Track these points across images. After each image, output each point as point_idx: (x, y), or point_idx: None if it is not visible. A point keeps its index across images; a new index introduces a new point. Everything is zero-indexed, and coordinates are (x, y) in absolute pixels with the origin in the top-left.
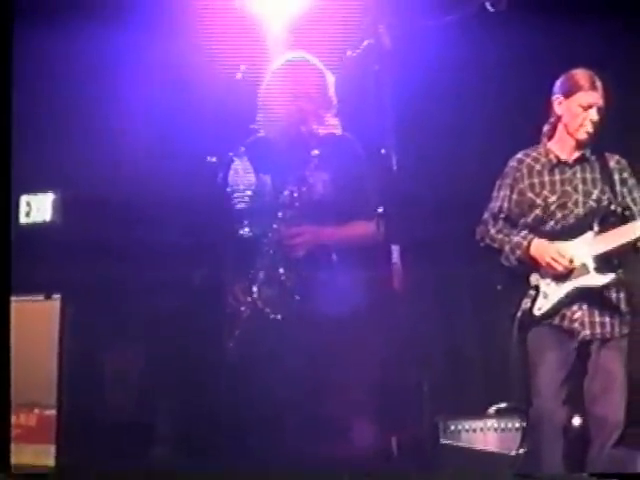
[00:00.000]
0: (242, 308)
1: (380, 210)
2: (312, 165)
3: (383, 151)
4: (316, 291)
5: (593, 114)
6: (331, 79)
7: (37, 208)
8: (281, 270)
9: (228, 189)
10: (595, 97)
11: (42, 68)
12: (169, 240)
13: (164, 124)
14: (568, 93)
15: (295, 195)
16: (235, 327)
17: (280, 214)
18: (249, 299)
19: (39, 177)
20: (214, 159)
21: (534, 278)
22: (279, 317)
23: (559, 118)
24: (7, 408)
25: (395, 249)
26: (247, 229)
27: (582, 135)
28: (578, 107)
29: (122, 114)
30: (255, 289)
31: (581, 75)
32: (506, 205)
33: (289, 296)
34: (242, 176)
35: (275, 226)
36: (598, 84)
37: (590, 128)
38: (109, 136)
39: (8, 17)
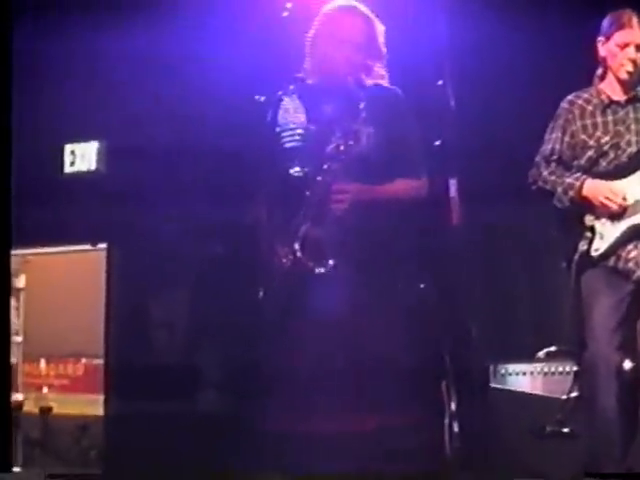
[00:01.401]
0: (283, 260)
1: (438, 143)
2: (359, 118)
3: (440, 82)
4: (358, 248)
5: (630, 52)
6: (381, 28)
7: (81, 156)
8: (322, 225)
9: (277, 128)
10: (632, 35)
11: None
12: (216, 183)
13: (209, 66)
14: (607, 34)
15: (341, 148)
16: (275, 278)
17: (325, 166)
18: (291, 250)
19: (83, 126)
20: (262, 98)
21: (589, 219)
22: (321, 270)
23: (604, 60)
24: (7, 408)
25: (452, 183)
26: (298, 168)
27: (623, 75)
28: (616, 47)
29: (165, 59)
30: (297, 242)
31: (619, 15)
32: (558, 147)
33: (327, 253)
34: (292, 115)
35: (319, 178)
36: (635, 22)
37: (630, 67)
38: (152, 82)
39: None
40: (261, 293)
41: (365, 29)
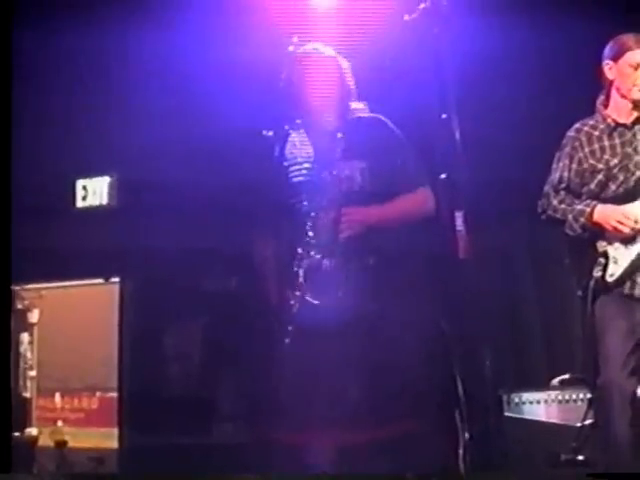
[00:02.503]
0: (291, 301)
1: (443, 177)
2: (345, 154)
3: (444, 116)
4: (363, 277)
5: None
6: (345, 65)
7: (93, 191)
8: (326, 257)
9: (285, 163)
10: None
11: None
12: (226, 217)
13: (219, 100)
14: (616, 56)
15: (341, 189)
16: (287, 317)
17: (329, 200)
18: (297, 291)
19: (94, 161)
20: (270, 133)
21: (601, 245)
22: (325, 304)
23: (611, 83)
24: (7, 408)
25: (459, 215)
26: (305, 202)
27: (636, 95)
28: (628, 67)
29: (175, 94)
30: (301, 276)
31: (627, 37)
32: (566, 175)
33: (335, 284)
34: (299, 148)
35: (324, 212)
36: None
37: None
38: (162, 118)
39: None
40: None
41: (329, 69)
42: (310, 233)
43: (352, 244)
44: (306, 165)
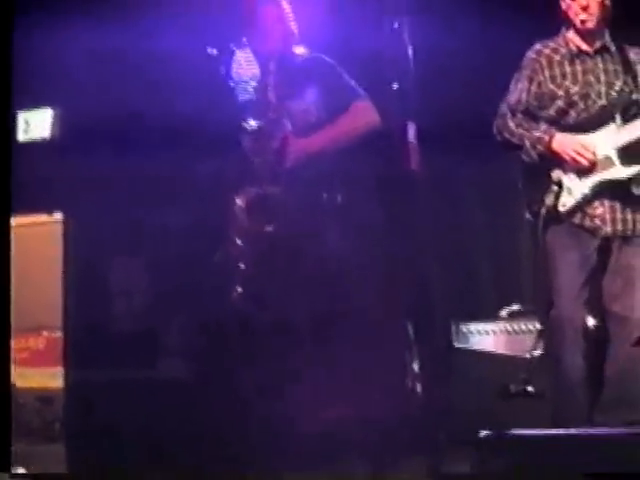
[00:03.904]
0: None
1: (395, 86)
2: (295, 90)
3: (396, 25)
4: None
5: (582, 1)
6: (287, 7)
7: (35, 124)
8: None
9: (231, 82)
10: None
11: None
12: (171, 141)
13: (158, 23)
14: None
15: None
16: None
17: (275, 119)
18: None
19: (37, 93)
20: (215, 51)
21: (556, 173)
22: (270, 229)
23: (566, 14)
24: (7, 409)
25: (411, 126)
26: (252, 122)
27: (579, 25)
28: None
29: (115, 17)
30: (242, 202)
31: None
32: (525, 97)
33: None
34: (245, 67)
35: (271, 133)
36: None
37: (583, 16)
38: (101, 44)
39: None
40: (218, 254)
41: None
42: (256, 160)
43: (299, 172)
44: (252, 84)
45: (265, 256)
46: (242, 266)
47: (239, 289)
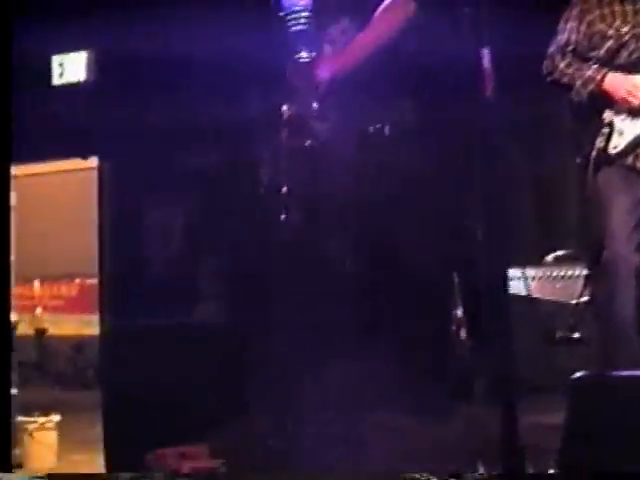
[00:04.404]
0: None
1: (467, 10)
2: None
3: None
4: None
5: None
6: None
7: (70, 68)
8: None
9: (281, 12)
10: None
11: None
12: (212, 82)
13: None
14: None
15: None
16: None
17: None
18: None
19: (71, 37)
20: None
21: (608, 114)
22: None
23: None
24: (8, 409)
25: (485, 53)
26: (304, 54)
27: None
28: None
29: None
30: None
31: None
32: (574, 37)
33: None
34: None
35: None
36: None
37: None
38: None
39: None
40: (262, 190)
41: None
42: (302, 89)
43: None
44: (304, 14)
45: (308, 177)
46: (284, 189)
47: (283, 216)
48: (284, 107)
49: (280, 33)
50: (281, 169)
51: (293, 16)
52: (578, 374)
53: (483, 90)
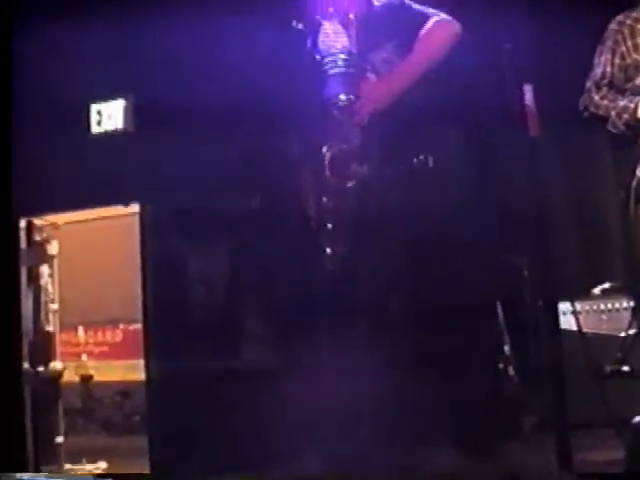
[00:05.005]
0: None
1: (507, 46)
2: (378, 39)
3: None
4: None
5: None
6: None
7: (108, 116)
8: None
9: (318, 55)
10: None
11: None
12: (249, 136)
13: (238, 3)
14: None
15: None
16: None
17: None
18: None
19: (109, 84)
20: (301, 25)
21: None
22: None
23: None
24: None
25: (528, 89)
26: (343, 96)
27: None
28: None
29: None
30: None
31: None
32: (609, 70)
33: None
34: (333, 39)
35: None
36: None
37: None
38: (178, 30)
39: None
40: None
41: None
42: (343, 130)
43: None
44: (342, 56)
45: (352, 214)
46: (329, 226)
47: (328, 250)
48: (324, 148)
49: (319, 75)
50: (325, 207)
51: (331, 59)
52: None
53: (526, 125)
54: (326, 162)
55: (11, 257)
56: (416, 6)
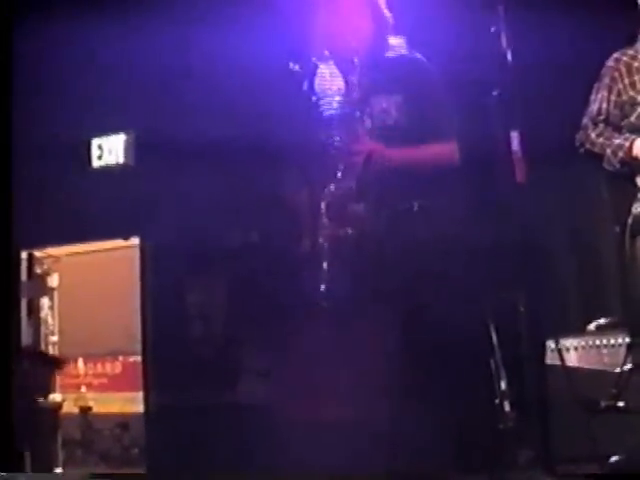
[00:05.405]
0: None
1: (495, 93)
2: (382, 88)
3: (493, 29)
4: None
5: None
6: None
7: (109, 150)
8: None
9: (314, 97)
10: None
11: None
12: (248, 171)
13: (236, 41)
14: None
15: (374, 124)
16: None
17: (363, 135)
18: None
19: (109, 119)
20: (297, 67)
21: None
22: (350, 232)
23: None
24: (9, 410)
25: (515, 136)
26: (337, 137)
27: None
28: None
29: (189, 40)
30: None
31: None
32: (605, 107)
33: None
34: (329, 81)
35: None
36: None
37: None
38: (176, 67)
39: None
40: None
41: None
42: (339, 173)
43: (388, 185)
44: (337, 98)
45: (348, 257)
46: (325, 265)
47: (322, 287)
48: (320, 188)
49: (314, 115)
50: (321, 247)
51: (326, 100)
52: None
53: (513, 171)
54: (323, 203)
55: (11, 289)
56: (446, 102)
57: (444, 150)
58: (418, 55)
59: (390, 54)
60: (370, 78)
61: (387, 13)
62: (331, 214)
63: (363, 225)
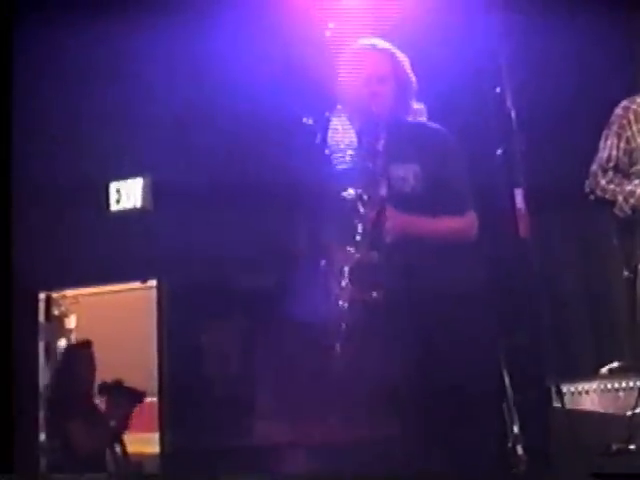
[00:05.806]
0: (339, 299)
1: (499, 152)
2: (400, 156)
3: (498, 90)
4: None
5: None
6: (403, 58)
7: (127, 194)
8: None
9: (327, 150)
10: None
11: None
12: (264, 218)
13: (251, 96)
14: None
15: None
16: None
17: (379, 190)
18: (343, 287)
19: (127, 163)
20: (310, 120)
21: None
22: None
23: None
24: (10, 410)
25: (518, 192)
26: (351, 190)
27: None
28: None
29: (207, 89)
30: (347, 273)
31: None
32: (614, 154)
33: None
34: (341, 135)
35: (373, 201)
36: None
37: None
38: (194, 115)
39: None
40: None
41: (385, 61)
42: (359, 228)
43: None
44: (349, 152)
45: (367, 321)
46: (343, 326)
47: (338, 347)
48: (349, 249)
49: (327, 169)
50: (340, 309)
51: (339, 154)
52: None
53: (517, 228)
54: (345, 267)
55: (30, 331)
56: (465, 177)
57: (462, 224)
58: (440, 128)
59: (411, 120)
60: (389, 142)
61: (412, 77)
62: (353, 278)
63: (384, 291)
